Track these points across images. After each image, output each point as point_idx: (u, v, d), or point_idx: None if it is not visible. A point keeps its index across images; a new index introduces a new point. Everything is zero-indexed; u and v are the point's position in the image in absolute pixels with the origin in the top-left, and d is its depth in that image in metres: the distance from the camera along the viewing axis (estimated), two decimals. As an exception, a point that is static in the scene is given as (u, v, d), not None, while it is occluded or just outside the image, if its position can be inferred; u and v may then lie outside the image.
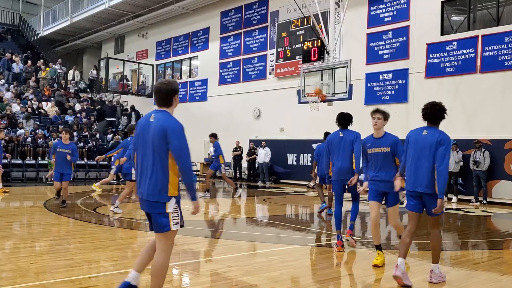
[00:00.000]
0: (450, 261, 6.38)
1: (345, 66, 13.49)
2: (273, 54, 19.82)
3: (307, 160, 18.27)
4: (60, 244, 6.54)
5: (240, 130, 20.62)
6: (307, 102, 14.31)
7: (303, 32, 18.33)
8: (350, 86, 13.50)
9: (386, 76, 16.19)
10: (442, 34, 15.06)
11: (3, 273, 4.83)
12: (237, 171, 20.10)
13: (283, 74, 19.24)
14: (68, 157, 10.07)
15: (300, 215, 11.26)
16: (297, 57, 18.41)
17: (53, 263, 5.29)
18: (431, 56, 15.15)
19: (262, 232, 8.31)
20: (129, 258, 5.83)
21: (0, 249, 6.13)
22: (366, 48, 16.77)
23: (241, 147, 19.79)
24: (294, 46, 18.72)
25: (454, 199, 13.82)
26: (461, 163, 13.76)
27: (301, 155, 18.53)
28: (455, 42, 14.61)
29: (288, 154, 18.95)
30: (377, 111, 5.81)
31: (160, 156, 3.49)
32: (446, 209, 12.15)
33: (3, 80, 22.10)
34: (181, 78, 25.05)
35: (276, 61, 19.52)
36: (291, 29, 18.96)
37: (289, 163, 18.95)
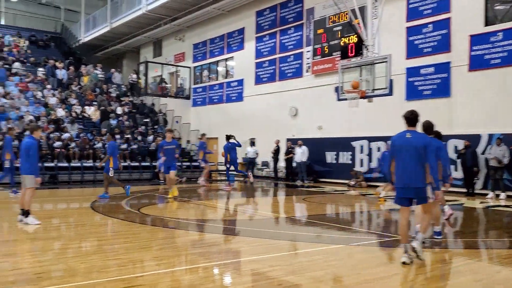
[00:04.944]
0: (498, 260, 6.14)
1: (384, 61, 13.22)
2: (309, 51, 19.67)
3: (347, 158, 18.03)
4: (107, 244, 6.71)
5: (277, 129, 20.58)
6: (346, 99, 14.12)
7: (340, 28, 18.11)
8: (390, 81, 13.22)
9: (427, 70, 15.76)
10: (486, 24, 14.52)
11: (55, 273, 5.00)
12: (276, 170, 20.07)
13: (320, 71, 19.07)
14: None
15: (341, 214, 11.12)
16: (334, 54, 18.21)
17: (102, 262, 5.44)
18: (474, 48, 14.64)
19: (302, 232, 8.26)
20: (173, 257, 5.92)
21: (51, 249, 6.35)
22: (406, 42, 16.39)
23: (279, 146, 19.75)
24: (331, 42, 18.52)
25: (503, 195, 13.30)
26: (507, 159, 13.22)
27: (340, 153, 18.31)
28: (501, 33, 14.05)
29: (326, 152, 18.76)
30: None
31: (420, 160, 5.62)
32: (494, 206, 11.72)
33: (48, 86, 22.92)
34: (217, 79, 25.25)
35: (313, 58, 19.37)
36: (327, 26, 18.77)
37: (328, 161, 18.76)
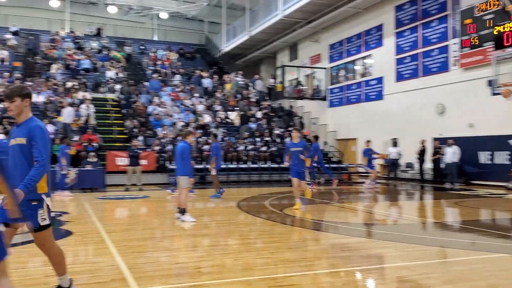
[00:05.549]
0: None
1: (549, 48, 11.67)
2: (456, 43, 18.21)
3: (504, 158, 16.27)
4: (256, 242, 6.97)
5: (421, 128, 19.42)
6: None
7: (491, 16, 16.43)
8: (557, 70, 11.62)
9: None
10: None
11: (212, 268, 5.32)
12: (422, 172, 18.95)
13: (470, 64, 17.52)
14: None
15: (500, 219, 10.06)
16: (485, 45, 16.58)
17: (253, 260, 5.65)
18: None
19: (456, 238, 7.63)
20: (318, 259, 5.91)
21: (206, 246, 6.80)
22: None
23: (425, 146, 18.61)
24: (481, 32, 16.90)
25: None
26: None
27: (496, 152, 16.58)
28: None
29: (479, 152, 17.15)
30: None
31: None
32: None
33: (196, 94, 24.81)
34: (354, 79, 24.77)
35: (461, 51, 17.88)
36: (476, 15, 17.19)
37: (481, 162, 17.14)
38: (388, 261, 5.99)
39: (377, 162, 19.38)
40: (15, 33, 28.05)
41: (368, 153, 16.99)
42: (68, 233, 7.34)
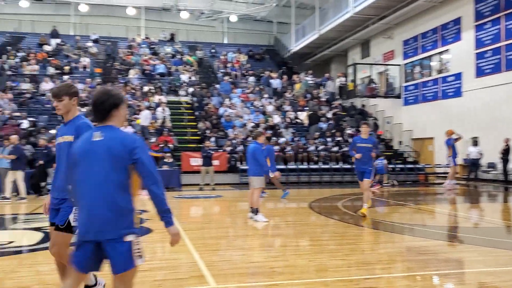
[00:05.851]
0: None
1: None
2: (544, 34, 16.92)
3: None
4: (329, 244, 6.89)
5: (504, 126, 18.21)
6: None
7: None
8: None
9: None
10: None
11: (286, 268, 5.33)
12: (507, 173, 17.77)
13: (560, 56, 16.21)
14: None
15: None
16: None
17: (328, 262, 5.59)
18: None
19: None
20: (396, 262, 5.74)
21: (279, 246, 6.83)
22: None
23: (509, 145, 17.45)
24: None
25: None
26: None
27: None
28: None
29: None
30: None
31: None
32: None
33: (265, 95, 24.98)
34: (430, 75, 23.75)
35: (549, 42, 16.60)
36: None
37: None
38: (469, 265, 5.69)
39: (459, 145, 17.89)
40: (95, 41, 29.85)
41: (451, 142, 15.96)
42: (148, 231, 7.68)
